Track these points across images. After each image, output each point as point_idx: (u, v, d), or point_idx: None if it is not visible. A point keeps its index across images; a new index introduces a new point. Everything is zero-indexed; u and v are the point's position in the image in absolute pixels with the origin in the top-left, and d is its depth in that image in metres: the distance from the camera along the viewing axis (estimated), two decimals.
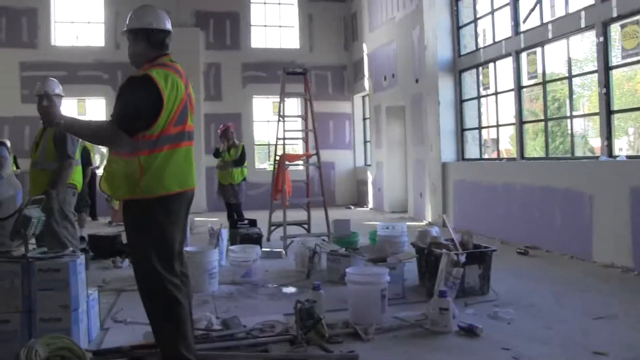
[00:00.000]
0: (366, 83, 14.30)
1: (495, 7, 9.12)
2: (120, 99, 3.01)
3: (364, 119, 15.49)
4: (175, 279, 3.06)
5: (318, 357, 3.49)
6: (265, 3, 15.69)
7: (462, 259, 4.42)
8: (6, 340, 3.38)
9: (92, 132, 3.11)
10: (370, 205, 14.14)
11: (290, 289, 5.46)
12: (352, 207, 14.61)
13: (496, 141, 12.04)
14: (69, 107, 14.49)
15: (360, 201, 15.04)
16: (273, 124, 8.73)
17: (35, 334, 3.38)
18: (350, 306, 4.24)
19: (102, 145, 3.11)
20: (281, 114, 8.71)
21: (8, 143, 10.38)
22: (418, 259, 5.27)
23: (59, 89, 5.12)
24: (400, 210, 12.36)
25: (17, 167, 10.40)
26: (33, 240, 4.23)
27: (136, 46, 3.20)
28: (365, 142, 15.47)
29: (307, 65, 14.99)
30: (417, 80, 11.06)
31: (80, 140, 4.86)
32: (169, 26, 3.27)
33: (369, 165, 14.58)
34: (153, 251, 3.00)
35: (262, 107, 15.68)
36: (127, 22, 3.24)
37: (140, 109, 2.95)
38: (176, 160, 3.07)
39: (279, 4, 15.80)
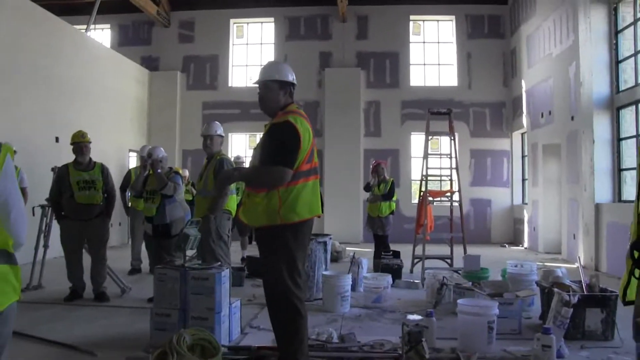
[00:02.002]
0: (524, 120, 14.14)
1: None
2: (272, 143, 3.57)
3: (523, 157, 15.24)
4: (300, 293, 3.64)
5: None
6: (424, 42, 16.25)
7: (574, 299, 4.49)
8: (167, 330, 4.29)
9: (260, 176, 3.62)
10: (526, 244, 13.83)
11: (415, 317, 5.80)
12: (507, 245, 14.36)
13: None
14: (240, 141, 16.20)
15: (517, 240, 14.74)
16: (430, 160, 9.19)
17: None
18: (459, 335, 4.55)
19: (267, 186, 3.54)
20: (426, 152, 9.12)
21: (187, 172, 11.98)
22: (541, 297, 5.37)
23: (220, 130, 6.11)
24: (554, 252, 11.99)
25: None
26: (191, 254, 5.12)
27: (274, 95, 3.76)
28: (523, 180, 15.20)
29: (465, 102, 15.41)
30: (572, 118, 10.83)
31: None
32: None
33: (526, 204, 14.31)
34: (284, 268, 3.58)
35: (420, 143, 16.07)
36: (270, 73, 3.81)
37: (290, 149, 3.55)
38: (306, 192, 3.64)
39: (438, 42, 16.27)
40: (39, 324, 5.39)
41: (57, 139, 10.79)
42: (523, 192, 15.18)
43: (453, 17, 15.96)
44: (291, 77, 3.84)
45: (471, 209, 15.17)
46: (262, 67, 3.94)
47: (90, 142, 6.81)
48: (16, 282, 2.21)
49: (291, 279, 3.60)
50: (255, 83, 3.89)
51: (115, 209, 7.19)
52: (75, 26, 12.75)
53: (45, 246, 7.52)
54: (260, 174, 3.62)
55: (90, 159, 6.80)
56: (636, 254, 0.90)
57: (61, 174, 6.69)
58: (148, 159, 6.77)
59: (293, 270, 3.62)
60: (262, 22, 16.63)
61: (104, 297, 6.62)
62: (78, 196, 6.52)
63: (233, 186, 5.95)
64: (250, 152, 14.66)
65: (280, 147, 3.54)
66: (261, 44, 16.59)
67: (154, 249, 6.70)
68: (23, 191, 7.66)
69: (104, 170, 6.77)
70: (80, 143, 6.70)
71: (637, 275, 0.88)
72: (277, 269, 3.59)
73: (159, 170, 6.53)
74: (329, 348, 4.23)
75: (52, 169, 7.49)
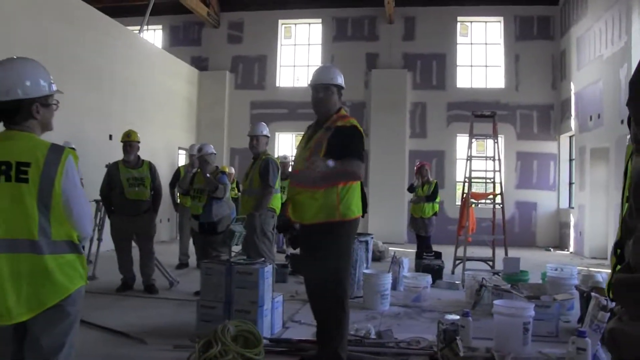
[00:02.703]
0: (572, 123, 13.93)
1: None
2: (348, 143, 3.73)
3: (570, 160, 14.99)
4: (347, 289, 3.81)
5: None
6: (471, 44, 16.16)
7: (611, 304, 4.50)
8: (212, 321, 4.52)
9: (348, 174, 3.70)
10: (571, 249, 13.63)
11: (453, 316, 5.89)
12: (552, 249, 14.17)
13: None
14: (287, 141, 16.45)
15: (562, 244, 14.52)
16: (475, 162, 9.23)
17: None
18: (494, 335, 4.63)
19: (352, 180, 3.71)
20: (469, 154, 9.15)
21: (233, 170, 12.26)
22: (579, 301, 5.38)
23: (265, 130, 6.36)
24: (600, 257, 11.78)
25: (238, 191, 12.09)
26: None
27: (333, 98, 3.96)
28: (570, 183, 14.96)
29: (512, 104, 15.28)
30: (622, 121, 10.63)
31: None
32: None
33: (572, 208, 14.10)
34: (337, 264, 3.73)
35: (466, 145, 15.96)
36: (333, 76, 3.98)
37: (361, 149, 3.80)
38: (355, 191, 3.83)
39: (485, 44, 16.15)
40: (93, 311, 5.68)
41: (110, 137, 11.23)
42: (570, 196, 14.95)
43: (501, 19, 15.81)
44: (342, 82, 4.05)
45: (516, 211, 15.04)
46: (321, 69, 4.11)
47: (137, 142, 7.14)
48: (82, 269, 2.47)
49: (343, 275, 3.76)
50: (315, 84, 3.99)
51: (165, 205, 7.51)
52: (128, 27, 13.24)
53: (99, 239, 7.97)
54: (352, 170, 3.69)
55: (139, 157, 7.16)
56: (618, 251, 1.04)
57: (111, 171, 7.09)
58: (198, 153, 7.06)
59: (346, 266, 3.79)
60: (309, 23, 16.84)
61: (153, 289, 6.96)
62: (128, 192, 6.90)
63: (277, 185, 6.18)
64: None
65: (356, 147, 3.74)
66: (309, 44, 16.81)
67: (200, 244, 6.97)
68: None
69: (151, 167, 7.13)
70: (126, 142, 7.06)
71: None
72: (330, 265, 3.73)
73: (208, 175, 6.78)
74: (366, 343, 4.39)
75: (106, 166, 7.88)
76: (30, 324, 2.35)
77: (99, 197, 7.83)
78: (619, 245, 1.01)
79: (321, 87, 3.95)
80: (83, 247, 2.55)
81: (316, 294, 3.83)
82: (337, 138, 3.74)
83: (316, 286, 3.83)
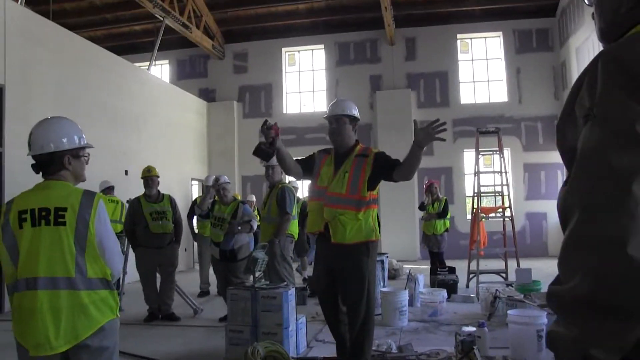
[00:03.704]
0: None
1: None
2: (391, 158, 4.12)
3: None
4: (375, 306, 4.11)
5: None
6: (472, 60, 16.46)
7: None
8: (240, 344, 4.76)
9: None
10: None
11: (470, 329, 6.09)
12: None
13: None
14: None
15: None
16: (483, 177, 9.45)
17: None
18: (510, 344, 4.84)
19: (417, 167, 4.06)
20: (477, 169, 9.38)
21: (253, 198, 12.53)
22: None
23: None
24: None
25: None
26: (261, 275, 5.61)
27: (346, 128, 4.24)
28: None
29: (516, 117, 15.50)
30: None
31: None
32: None
33: None
34: (372, 282, 4.02)
35: (473, 160, 16.17)
36: (339, 109, 4.26)
37: None
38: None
39: (486, 59, 16.44)
40: (122, 341, 5.90)
41: (126, 172, 11.54)
42: None
43: (500, 33, 16.10)
44: (358, 114, 4.34)
45: (527, 223, 15.19)
46: (334, 102, 4.39)
47: (157, 176, 7.47)
48: (114, 303, 2.71)
49: (373, 292, 4.06)
50: (328, 117, 4.28)
51: (182, 235, 7.80)
52: (136, 64, 13.65)
53: (124, 272, 8.21)
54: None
55: (159, 191, 7.47)
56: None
57: (134, 206, 7.40)
58: (215, 184, 7.34)
59: (374, 283, 4.11)
60: (312, 50, 17.21)
61: (173, 317, 7.20)
62: (152, 226, 7.18)
63: (294, 211, 6.46)
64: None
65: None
66: (313, 70, 17.17)
67: (221, 272, 7.18)
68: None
69: (172, 201, 7.45)
70: (147, 177, 7.39)
71: None
72: (365, 283, 3.98)
73: (235, 226, 6.98)
74: (388, 358, 4.61)
75: (127, 201, 8.19)
76: (73, 358, 2.59)
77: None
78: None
79: (333, 119, 4.24)
80: (115, 284, 2.81)
81: (352, 311, 3.98)
82: (383, 160, 4.11)
83: (353, 303, 3.99)
